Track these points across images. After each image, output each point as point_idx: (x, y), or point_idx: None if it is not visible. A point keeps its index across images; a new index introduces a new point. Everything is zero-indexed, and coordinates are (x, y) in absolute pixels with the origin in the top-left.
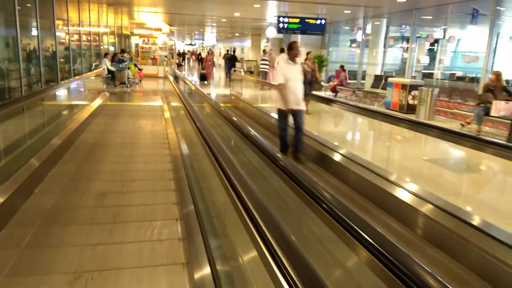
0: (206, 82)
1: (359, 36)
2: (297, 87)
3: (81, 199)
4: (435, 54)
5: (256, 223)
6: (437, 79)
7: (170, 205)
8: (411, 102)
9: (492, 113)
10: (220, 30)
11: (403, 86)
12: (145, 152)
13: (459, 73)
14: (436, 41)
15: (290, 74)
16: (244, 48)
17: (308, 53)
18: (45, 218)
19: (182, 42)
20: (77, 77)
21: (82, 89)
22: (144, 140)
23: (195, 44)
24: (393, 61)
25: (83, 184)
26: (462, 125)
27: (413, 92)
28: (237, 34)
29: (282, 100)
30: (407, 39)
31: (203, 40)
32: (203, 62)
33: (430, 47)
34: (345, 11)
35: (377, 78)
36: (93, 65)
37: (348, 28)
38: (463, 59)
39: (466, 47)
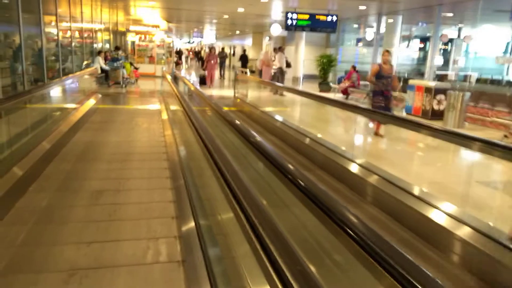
0: (206, 85)
1: (368, 34)
2: None
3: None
4: (449, 55)
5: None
6: (454, 80)
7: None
8: (436, 107)
9: None
10: (220, 27)
11: (427, 90)
12: (140, 184)
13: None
14: (450, 40)
15: None
16: (245, 47)
17: (384, 52)
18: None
19: (180, 39)
20: (65, 77)
21: (72, 90)
22: (138, 164)
23: (193, 42)
24: (405, 61)
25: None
26: (505, 136)
27: (438, 96)
28: (237, 32)
29: None
30: (422, 38)
31: (202, 37)
32: (205, 62)
33: (444, 47)
34: (360, 7)
35: None
36: (84, 64)
37: (356, 26)
38: (497, 60)
39: (479, 47)
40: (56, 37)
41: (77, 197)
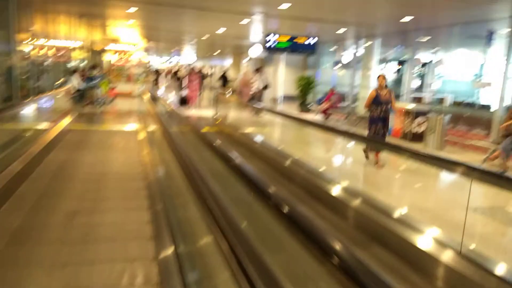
0: (187, 106)
1: (346, 57)
2: None
3: None
4: (424, 78)
5: None
6: (429, 103)
7: None
8: (416, 130)
9: None
10: (200, 47)
11: (407, 112)
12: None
13: (448, 97)
14: (425, 64)
15: None
16: (224, 67)
17: (379, 77)
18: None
19: (159, 58)
20: (38, 96)
21: (45, 110)
22: (114, 193)
23: (171, 62)
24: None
25: None
26: (488, 159)
27: (418, 119)
28: (217, 53)
29: None
30: (398, 61)
31: (181, 57)
32: (185, 82)
33: (419, 70)
34: (338, 31)
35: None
36: (57, 82)
37: (333, 49)
38: (474, 85)
39: (452, 71)
40: (30, 55)
41: (52, 217)
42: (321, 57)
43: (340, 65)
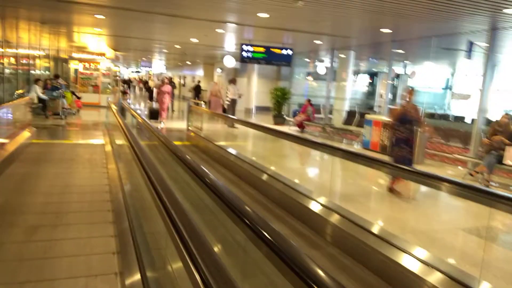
0: (158, 121)
1: (320, 68)
2: None
3: None
4: (395, 89)
5: None
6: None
7: None
8: None
9: (506, 160)
10: (170, 57)
11: (385, 125)
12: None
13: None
14: (397, 76)
15: None
16: (196, 77)
17: (407, 90)
18: None
19: (127, 68)
20: None
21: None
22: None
23: (140, 72)
24: (354, 96)
25: None
26: (471, 174)
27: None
28: (188, 63)
29: None
30: (370, 73)
31: (151, 67)
32: (155, 94)
33: (391, 82)
34: (315, 41)
35: (350, 114)
36: (16, 93)
37: (306, 60)
38: (453, 96)
39: (422, 82)
40: None
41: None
42: (293, 68)
43: (311, 77)
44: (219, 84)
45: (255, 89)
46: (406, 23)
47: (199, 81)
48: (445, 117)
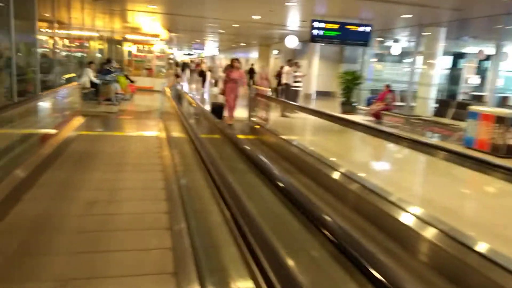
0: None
1: (395, 49)
2: None
3: None
4: (484, 74)
5: None
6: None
7: None
8: None
9: None
10: (223, 38)
11: (499, 119)
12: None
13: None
14: (487, 58)
15: None
16: (250, 60)
17: None
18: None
19: (180, 51)
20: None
21: (48, 110)
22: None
23: (193, 54)
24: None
25: None
26: None
27: None
28: (242, 44)
29: None
30: (454, 55)
31: (203, 49)
32: (222, 82)
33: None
34: (403, 16)
35: (443, 104)
36: (63, 78)
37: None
38: None
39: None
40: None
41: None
42: (355, 50)
43: (378, 58)
44: (265, 67)
45: (316, 73)
46: None
47: (252, 64)
48: None
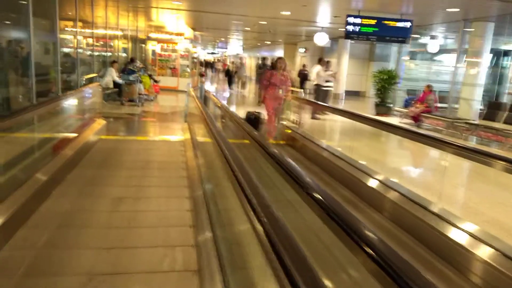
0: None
1: (432, 46)
2: None
3: None
4: None
5: None
6: None
7: None
8: None
9: None
10: (248, 36)
11: None
12: None
13: None
14: None
15: None
16: (274, 59)
17: None
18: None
19: (204, 50)
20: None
21: (66, 114)
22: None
23: (217, 53)
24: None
25: None
26: None
27: None
28: (267, 42)
29: None
30: (496, 53)
31: (227, 48)
32: (263, 86)
33: None
34: (449, 9)
35: (494, 106)
36: (84, 78)
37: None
38: None
39: None
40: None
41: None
42: (384, 47)
43: (409, 56)
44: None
45: (346, 72)
46: None
47: (304, 65)
48: None
